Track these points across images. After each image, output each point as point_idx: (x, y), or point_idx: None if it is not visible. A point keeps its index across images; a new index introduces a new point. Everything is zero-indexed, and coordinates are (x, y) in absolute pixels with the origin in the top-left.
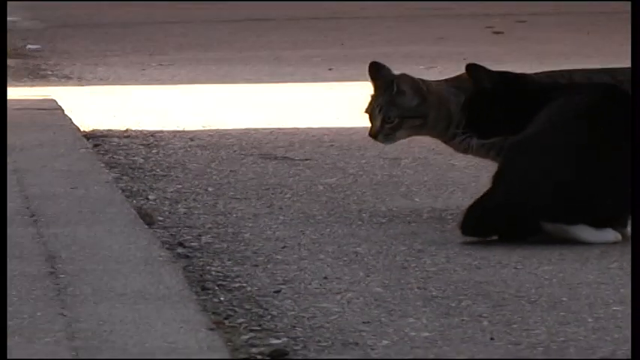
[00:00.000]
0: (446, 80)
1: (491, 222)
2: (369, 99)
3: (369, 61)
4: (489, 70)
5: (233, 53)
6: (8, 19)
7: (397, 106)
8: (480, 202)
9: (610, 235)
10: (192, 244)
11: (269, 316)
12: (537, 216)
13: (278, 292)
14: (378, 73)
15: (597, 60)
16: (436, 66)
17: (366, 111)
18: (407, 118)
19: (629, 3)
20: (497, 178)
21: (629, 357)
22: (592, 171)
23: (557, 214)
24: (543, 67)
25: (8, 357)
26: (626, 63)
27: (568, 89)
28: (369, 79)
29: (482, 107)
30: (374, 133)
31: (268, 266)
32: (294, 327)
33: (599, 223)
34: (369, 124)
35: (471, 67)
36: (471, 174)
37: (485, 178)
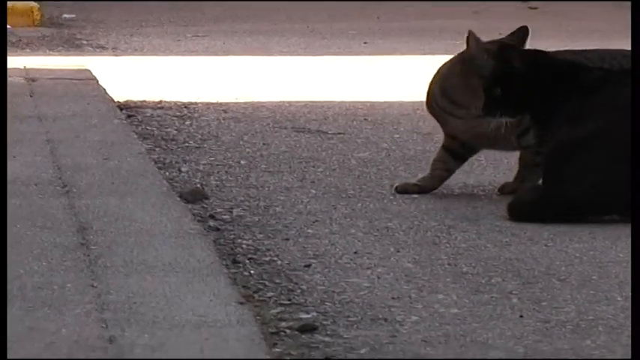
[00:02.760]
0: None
1: (549, 216)
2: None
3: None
4: (523, 51)
5: (268, 25)
6: None
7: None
8: (542, 195)
9: None
10: (224, 216)
11: (299, 291)
12: (606, 213)
13: (308, 266)
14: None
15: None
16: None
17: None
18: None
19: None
20: (560, 172)
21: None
22: None
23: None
24: (577, 43)
25: (39, 326)
26: None
27: (609, 77)
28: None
29: (514, 86)
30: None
31: (299, 240)
32: (324, 301)
33: None
34: (402, 99)
35: (504, 47)
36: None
37: (516, 155)
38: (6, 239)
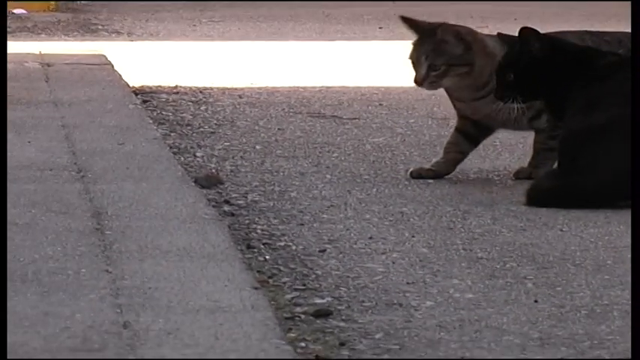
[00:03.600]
0: (499, 34)
1: (567, 203)
2: (411, 46)
3: (400, 16)
4: (542, 35)
5: (283, 10)
6: None
7: (443, 53)
8: (560, 183)
9: None
10: (239, 201)
11: (313, 276)
12: (623, 200)
13: (323, 251)
14: (414, 22)
15: None
16: (486, 26)
17: (410, 57)
18: (453, 65)
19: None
20: (576, 160)
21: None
22: None
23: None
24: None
25: (54, 311)
26: None
27: (623, 62)
28: (408, 28)
29: (529, 71)
30: (419, 80)
31: (314, 225)
32: (339, 287)
33: None
34: None
35: (525, 31)
36: (519, 135)
37: (532, 140)
38: (6, 239)
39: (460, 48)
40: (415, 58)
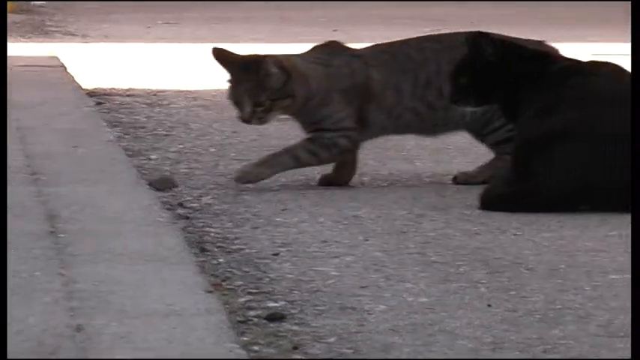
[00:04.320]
0: (313, 49)
1: (521, 209)
2: (228, 85)
3: (213, 48)
4: (495, 40)
5: (239, 12)
6: None
7: (265, 89)
8: (515, 190)
9: None
10: (193, 204)
11: (267, 279)
12: (578, 206)
13: (277, 254)
14: (226, 57)
15: (601, 25)
16: (441, 29)
17: (230, 97)
18: (277, 99)
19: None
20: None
21: (629, 357)
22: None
23: (601, 202)
24: (548, 31)
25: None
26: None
27: (579, 67)
28: (220, 64)
29: (476, 74)
30: (246, 119)
31: (268, 228)
32: (292, 290)
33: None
34: None
35: (476, 35)
36: (473, 139)
37: (485, 144)
38: (6, 237)
39: (281, 80)
40: (237, 97)
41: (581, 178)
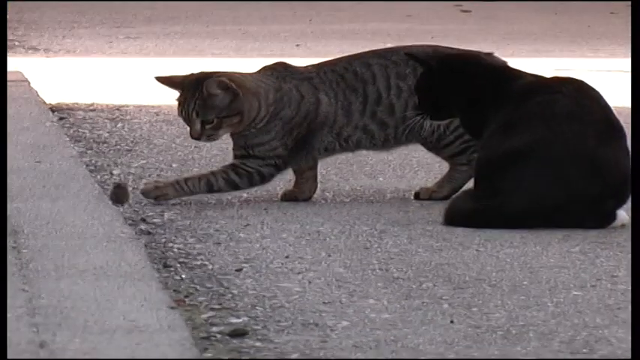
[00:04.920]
0: (262, 70)
1: (485, 225)
2: (177, 103)
3: (156, 77)
4: (445, 54)
5: (200, 27)
6: None
7: (212, 107)
8: (478, 207)
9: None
10: (155, 220)
11: (230, 295)
12: (542, 224)
13: (239, 270)
14: (171, 80)
15: (564, 40)
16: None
17: (180, 114)
18: (224, 117)
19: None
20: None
21: (629, 357)
22: (597, 172)
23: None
24: (508, 47)
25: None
26: (592, 43)
27: (544, 84)
28: (167, 86)
29: (433, 88)
30: (196, 136)
31: (230, 244)
32: (255, 306)
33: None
34: None
35: (409, 55)
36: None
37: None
38: (6, 237)
39: (228, 98)
40: (186, 116)
41: (545, 198)
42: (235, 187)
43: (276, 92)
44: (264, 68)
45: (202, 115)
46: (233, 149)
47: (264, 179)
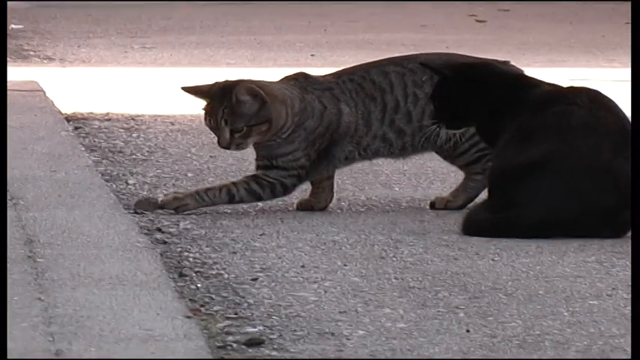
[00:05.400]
0: (284, 80)
1: (503, 234)
2: (203, 112)
3: (182, 88)
4: (459, 63)
5: (215, 37)
6: None
7: (242, 115)
8: (496, 220)
9: None
10: (171, 229)
11: (245, 304)
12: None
13: (255, 279)
14: (198, 89)
15: (579, 50)
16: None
17: (208, 124)
18: (253, 125)
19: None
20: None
21: (630, 357)
22: (613, 184)
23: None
24: (526, 56)
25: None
26: (607, 53)
27: (561, 94)
28: (194, 96)
29: (449, 97)
30: (226, 145)
31: (246, 253)
32: (271, 315)
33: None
34: None
35: (423, 65)
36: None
37: (464, 170)
38: (6, 237)
39: (256, 105)
40: (214, 124)
41: (560, 210)
42: (258, 197)
43: (301, 102)
44: (286, 78)
45: (231, 124)
46: (255, 160)
47: (287, 190)
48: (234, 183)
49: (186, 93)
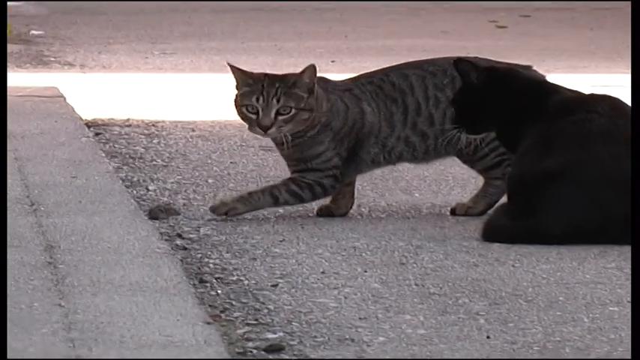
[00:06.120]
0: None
1: (524, 241)
2: (246, 89)
3: (229, 65)
4: (477, 65)
5: (236, 43)
6: (12, 3)
7: (294, 97)
8: (517, 227)
9: None
10: (191, 235)
11: (266, 310)
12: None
13: (275, 286)
14: (243, 69)
15: (600, 56)
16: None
17: (254, 103)
18: (300, 110)
19: (628, 2)
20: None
21: (629, 357)
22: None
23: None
24: (547, 62)
25: (7, 349)
26: (628, 59)
27: (581, 100)
28: (237, 71)
29: (471, 102)
30: (268, 124)
31: (266, 260)
32: (291, 322)
33: None
34: None
35: (458, 62)
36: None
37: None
38: (6, 268)
39: (307, 91)
40: (263, 103)
41: (581, 219)
42: (300, 199)
43: (327, 102)
44: None
45: (284, 101)
46: (289, 166)
47: (326, 191)
48: (274, 186)
49: (229, 68)
